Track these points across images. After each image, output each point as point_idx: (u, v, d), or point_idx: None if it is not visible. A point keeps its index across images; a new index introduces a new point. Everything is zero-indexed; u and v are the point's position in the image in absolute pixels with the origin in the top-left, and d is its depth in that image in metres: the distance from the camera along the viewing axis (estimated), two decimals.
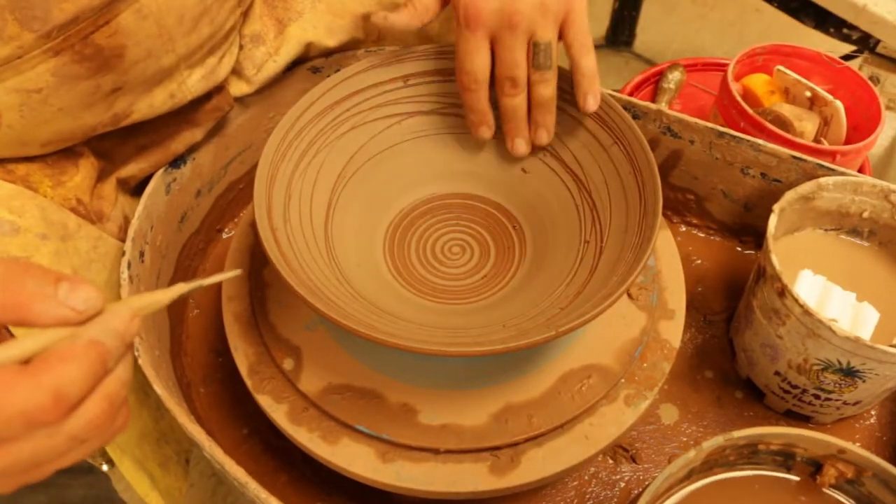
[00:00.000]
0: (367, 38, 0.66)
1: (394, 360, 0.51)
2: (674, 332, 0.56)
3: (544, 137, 0.56)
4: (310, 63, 0.66)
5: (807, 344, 0.55)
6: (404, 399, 0.50)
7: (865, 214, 0.62)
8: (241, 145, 0.67)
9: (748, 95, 0.90)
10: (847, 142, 0.86)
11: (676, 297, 0.57)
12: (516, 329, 0.47)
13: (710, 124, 0.64)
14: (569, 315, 0.46)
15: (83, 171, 0.52)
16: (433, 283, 0.55)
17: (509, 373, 0.51)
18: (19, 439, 0.29)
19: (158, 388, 0.48)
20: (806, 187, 0.61)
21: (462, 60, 0.53)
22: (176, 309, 0.63)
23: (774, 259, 0.56)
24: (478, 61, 0.52)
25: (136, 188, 0.59)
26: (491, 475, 0.49)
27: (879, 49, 1.03)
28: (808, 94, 0.88)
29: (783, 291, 0.55)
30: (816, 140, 0.87)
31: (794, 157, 0.62)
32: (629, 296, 0.56)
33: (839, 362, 0.54)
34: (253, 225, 0.50)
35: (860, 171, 0.88)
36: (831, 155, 0.81)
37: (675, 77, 1.00)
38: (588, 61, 0.52)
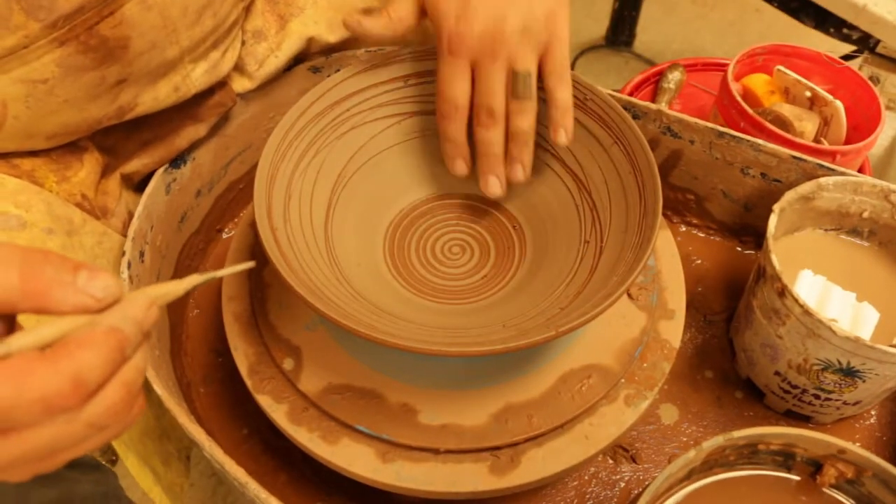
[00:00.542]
0: None
1: (394, 360, 0.51)
2: (674, 332, 0.56)
3: (520, 174, 0.54)
4: (310, 63, 0.66)
5: (807, 344, 0.55)
6: (404, 399, 0.50)
7: (865, 214, 0.62)
8: (241, 145, 0.67)
9: (748, 95, 0.90)
10: (847, 142, 0.86)
11: (676, 297, 0.57)
12: (516, 329, 0.47)
13: (710, 124, 0.64)
14: (569, 315, 0.46)
15: (88, 167, 0.52)
16: (433, 283, 0.55)
17: (509, 373, 0.51)
18: (38, 426, 0.29)
19: (158, 388, 0.48)
20: (806, 187, 0.61)
21: (443, 86, 0.51)
22: (176, 309, 0.63)
23: (774, 259, 0.56)
24: (458, 88, 0.51)
25: (139, 184, 0.60)
26: (491, 475, 0.49)
27: (879, 49, 1.03)
28: (808, 94, 0.88)
29: (783, 291, 0.55)
30: (816, 140, 0.87)
31: (794, 157, 0.62)
32: (629, 296, 0.56)
33: (839, 362, 0.54)
34: (253, 225, 0.50)
35: (860, 171, 0.88)
36: (831, 155, 0.81)
37: (675, 77, 1.00)
38: (563, 93, 0.51)
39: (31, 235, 0.47)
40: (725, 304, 0.69)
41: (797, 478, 0.55)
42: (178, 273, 0.64)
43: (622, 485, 0.59)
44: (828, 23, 1.06)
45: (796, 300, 0.54)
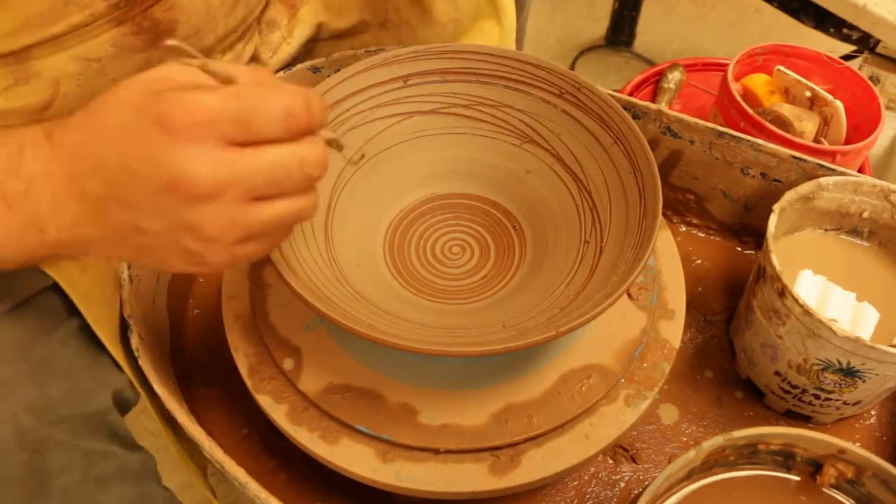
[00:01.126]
0: (375, 21, 0.67)
1: (394, 361, 0.51)
2: (674, 332, 0.56)
3: None
4: (310, 63, 0.66)
5: (807, 344, 0.55)
6: (404, 399, 0.50)
7: (865, 214, 0.62)
8: None
9: (748, 95, 0.90)
10: (847, 142, 0.86)
11: (676, 297, 0.57)
12: (516, 329, 0.47)
13: (710, 124, 0.64)
14: (569, 315, 0.46)
15: None
16: (433, 282, 0.55)
17: (509, 373, 0.51)
18: (290, 144, 0.35)
19: (158, 388, 0.49)
20: (806, 187, 0.61)
21: None
22: (176, 309, 0.63)
23: (774, 259, 0.56)
24: None
25: None
26: (491, 475, 0.49)
27: (879, 49, 1.03)
28: (808, 94, 0.88)
29: (783, 291, 0.55)
30: (816, 140, 0.87)
31: (794, 157, 0.62)
32: (629, 296, 0.56)
33: (839, 362, 0.54)
34: None
35: (860, 171, 0.88)
36: (831, 155, 0.81)
37: (675, 77, 1.00)
38: None
39: None
40: (725, 304, 0.69)
41: (797, 478, 0.54)
42: (178, 273, 0.64)
43: (622, 485, 0.59)
44: (828, 23, 1.06)
45: (796, 300, 0.54)
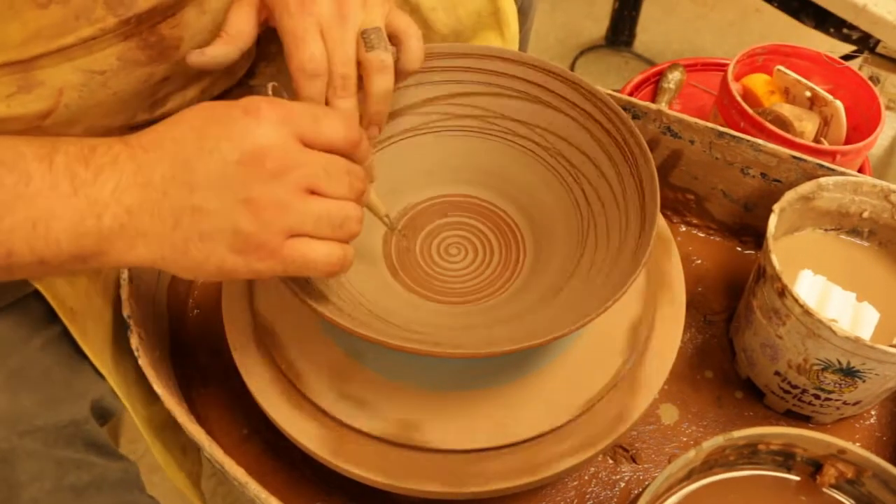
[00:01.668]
0: None
1: (394, 362, 0.51)
2: (674, 331, 0.55)
3: (375, 133, 0.50)
4: None
5: (807, 344, 0.55)
6: (404, 399, 0.50)
7: (865, 214, 0.62)
8: None
9: (748, 95, 0.90)
10: (847, 142, 0.86)
11: (676, 297, 0.57)
12: (517, 330, 0.47)
13: (710, 124, 0.64)
14: (569, 315, 0.46)
15: None
16: (433, 284, 0.55)
17: (510, 373, 0.51)
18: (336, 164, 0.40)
19: (158, 388, 0.49)
20: (806, 187, 0.61)
21: (297, 47, 0.46)
22: (176, 309, 0.63)
23: (774, 259, 0.56)
24: (316, 49, 0.46)
25: None
26: (491, 475, 0.49)
27: (879, 49, 1.03)
28: (808, 94, 0.88)
29: (783, 291, 0.55)
30: (816, 140, 0.87)
31: (794, 157, 0.62)
32: None
33: (839, 362, 0.54)
34: None
35: (860, 171, 0.88)
36: (831, 155, 0.81)
37: (675, 77, 1.00)
38: (417, 43, 0.49)
39: None
40: (725, 304, 0.69)
41: (797, 478, 0.55)
42: (175, 279, 0.63)
43: (622, 485, 0.59)
44: (828, 23, 1.06)
45: (796, 300, 0.54)
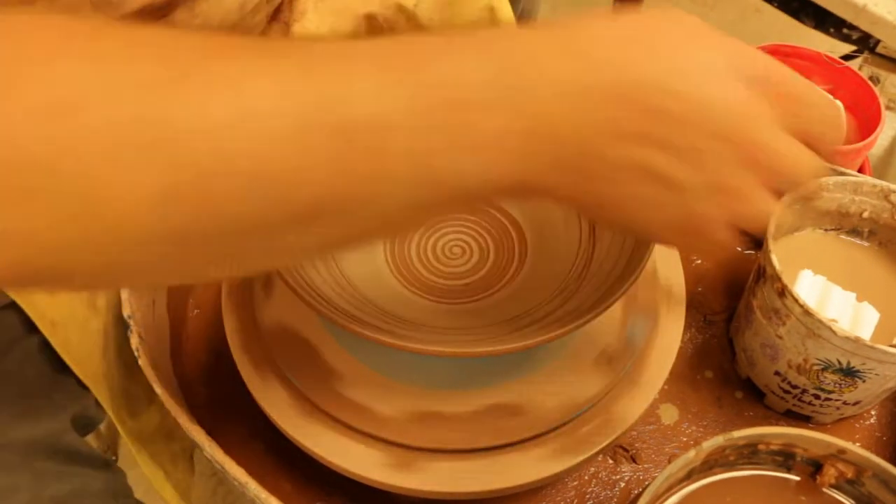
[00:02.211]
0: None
1: (394, 361, 0.51)
2: (674, 331, 0.55)
3: None
4: None
5: (807, 344, 0.55)
6: (404, 399, 0.50)
7: (865, 214, 0.62)
8: None
9: None
10: (847, 142, 0.86)
11: (677, 297, 0.57)
12: (517, 329, 0.47)
13: None
14: (569, 315, 0.46)
15: None
16: (434, 283, 0.55)
17: (509, 372, 0.51)
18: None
19: (158, 389, 0.49)
20: (806, 187, 0.61)
21: None
22: (176, 309, 0.63)
23: (774, 259, 0.56)
24: None
25: None
26: (490, 475, 0.49)
27: (879, 49, 1.03)
28: None
29: (783, 291, 0.55)
30: None
31: None
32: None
33: (839, 362, 0.54)
34: None
35: (860, 171, 0.87)
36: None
37: None
38: None
39: None
40: (725, 304, 0.69)
41: (797, 478, 0.55)
42: None
43: (622, 485, 0.59)
44: (828, 23, 1.06)
45: (796, 300, 0.54)
